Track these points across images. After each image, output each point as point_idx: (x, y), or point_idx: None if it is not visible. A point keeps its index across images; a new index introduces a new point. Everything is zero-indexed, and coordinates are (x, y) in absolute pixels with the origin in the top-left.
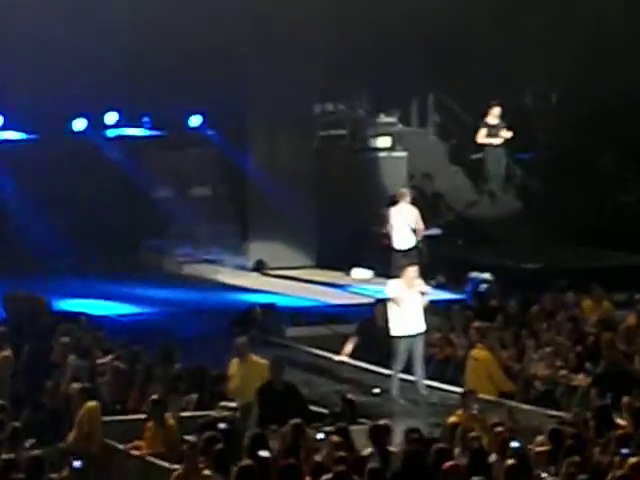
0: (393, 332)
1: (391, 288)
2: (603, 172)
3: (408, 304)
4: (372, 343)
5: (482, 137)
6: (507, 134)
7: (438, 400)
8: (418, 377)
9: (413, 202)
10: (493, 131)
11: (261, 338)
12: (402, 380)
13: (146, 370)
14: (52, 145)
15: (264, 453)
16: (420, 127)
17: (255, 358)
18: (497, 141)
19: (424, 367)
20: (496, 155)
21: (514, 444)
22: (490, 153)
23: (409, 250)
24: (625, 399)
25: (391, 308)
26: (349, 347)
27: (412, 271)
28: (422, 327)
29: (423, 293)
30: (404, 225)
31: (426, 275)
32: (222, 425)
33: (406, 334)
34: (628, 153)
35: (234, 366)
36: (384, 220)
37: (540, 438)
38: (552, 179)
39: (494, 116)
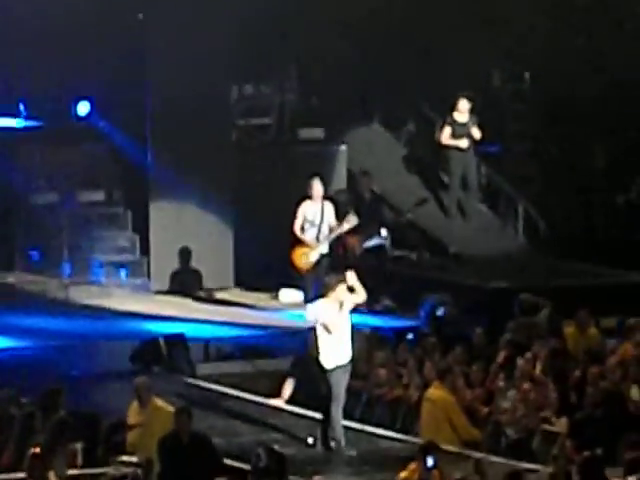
0: (327, 364)
1: (317, 310)
2: (589, 168)
3: (340, 327)
4: (308, 382)
5: (446, 137)
6: (476, 134)
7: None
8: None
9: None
10: (460, 130)
11: (167, 377)
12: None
13: (25, 418)
14: None
15: None
16: (363, 115)
17: (159, 403)
18: (464, 143)
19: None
20: (463, 160)
21: None
22: (455, 158)
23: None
24: None
25: (321, 335)
26: (288, 390)
27: (342, 288)
28: (349, 354)
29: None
30: (321, 225)
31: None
32: None
33: (340, 364)
34: (620, 144)
35: (133, 412)
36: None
37: None
38: (526, 176)
39: (462, 112)
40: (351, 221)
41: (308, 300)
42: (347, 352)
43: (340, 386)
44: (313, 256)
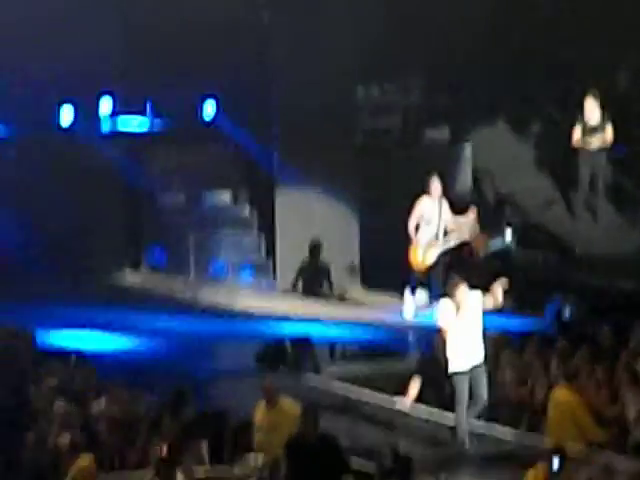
0: (451, 368)
1: (442, 312)
2: None
3: (459, 331)
4: (434, 383)
5: (577, 137)
6: (608, 136)
7: (479, 454)
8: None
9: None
10: (592, 131)
11: (293, 377)
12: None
13: (152, 417)
14: (34, 142)
15: None
16: (489, 115)
17: (286, 403)
18: (596, 144)
19: (479, 411)
20: (592, 160)
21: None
22: (585, 158)
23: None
24: None
25: (447, 337)
26: (414, 390)
27: (462, 289)
28: (481, 355)
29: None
30: (441, 225)
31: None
32: None
33: (462, 370)
34: None
35: (260, 413)
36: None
37: None
38: None
39: (591, 110)
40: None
41: (410, 295)
42: (470, 357)
43: (462, 390)
44: (430, 257)
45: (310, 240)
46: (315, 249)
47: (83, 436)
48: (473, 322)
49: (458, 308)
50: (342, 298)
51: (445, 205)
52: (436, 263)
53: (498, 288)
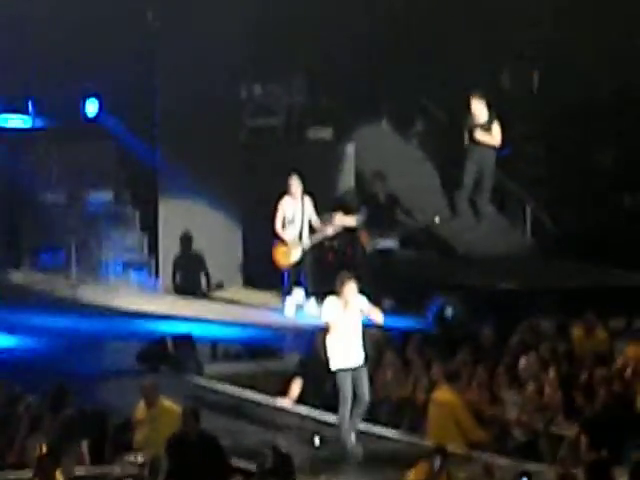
0: (334, 365)
1: (327, 309)
2: (599, 169)
3: (345, 328)
4: (315, 383)
5: (467, 140)
6: (497, 135)
7: (362, 454)
8: (355, 418)
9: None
10: (480, 130)
11: (174, 376)
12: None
13: (32, 416)
14: None
15: None
16: (371, 115)
17: (166, 403)
18: (488, 138)
19: (362, 411)
20: (479, 160)
21: None
22: (471, 157)
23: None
24: None
25: (329, 335)
26: (296, 390)
27: (351, 286)
28: (359, 358)
29: (365, 312)
30: (302, 222)
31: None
32: None
33: (349, 366)
34: (629, 145)
35: (140, 412)
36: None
37: None
38: (534, 178)
39: (477, 112)
40: (335, 226)
41: (286, 294)
42: (355, 354)
43: (345, 389)
44: (295, 255)
45: (181, 232)
46: (186, 240)
47: None
48: (357, 321)
49: (345, 305)
50: (220, 288)
51: (308, 203)
52: (301, 261)
53: (377, 310)
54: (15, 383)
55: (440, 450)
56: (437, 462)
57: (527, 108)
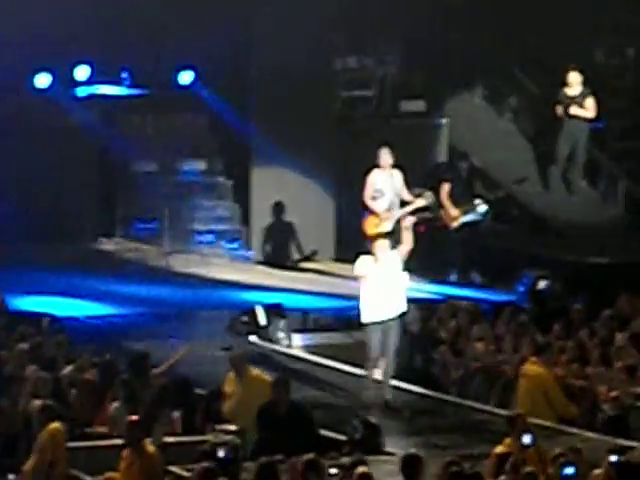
0: (363, 318)
1: (359, 264)
2: None
3: (380, 283)
4: (406, 357)
5: (559, 113)
6: (591, 109)
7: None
8: (385, 375)
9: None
10: (575, 105)
11: (264, 347)
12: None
13: (123, 384)
14: (9, 105)
15: None
16: (464, 89)
17: (255, 373)
18: (582, 112)
19: (394, 363)
20: (573, 134)
21: (568, 470)
22: (565, 131)
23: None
24: None
25: (362, 289)
26: (384, 361)
27: (382, 243)
28: (398, 309)
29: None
30: (394, 195)
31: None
32: (222, 452)
33: (378, 320)
34: None
35: (230, 382)
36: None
37: (597, 472)
38: (627, 152)
39: (572, 85)
40: (427, 198)
41: None
42: (385, 309)
43: (372, 344)
44: (385, 226)
45: (273, 203)
46: (278, 210)
47: (54, 402)
48: (389, 276)
49: (376, 260)
50: (315, 269)
51: (398, 176)
52: (391, 233)
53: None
54: (106, 351)
55: (520, 416)
56: (526, 437)
57: (621, 82)
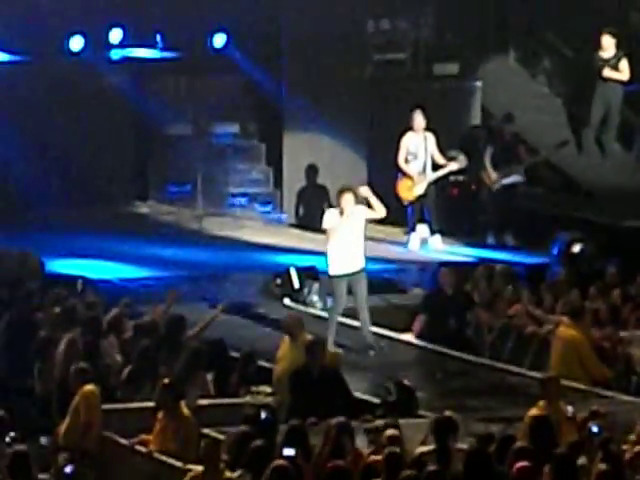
0: (331, 271)
1: (327, 218)
2: None
3: (345, 236)
4: (441, 320)
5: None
6: (625, 71)
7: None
8: (363, 322)
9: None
10: (609, 67)
11: (298, 310)
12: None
13: (156, 345)
14: (42, 69)
15: (289, 452)
16: (498, 51)
17: (310, 337)
18: (616, 75)
19: (367, 310)
20: (606, 96)
21: (594, 428)
22: (599, 94)
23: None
24: None
25: (328, 242)
26: (417, 325)
27: (348, 197)
28: (362, 263)
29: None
30: (427, 158)
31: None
32: (264, 414)
33: (345, 272)
34: None
35: (284, 346)
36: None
37: (633, 437)
38: None
39: (606, 48)
40: (461, 162)
41: (410, 230)
42: (352, 261)
43: (338, 294)
44: (419, 189)
45: (306, 165)
46: (311, 173)
47: (88, 365)
48: (355, 229)
49: (342, 213)
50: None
51: (431, 139)
52: (425, 195)
53: (372, 196)
54: (140, 314)
55: (553, 379)
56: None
57: None
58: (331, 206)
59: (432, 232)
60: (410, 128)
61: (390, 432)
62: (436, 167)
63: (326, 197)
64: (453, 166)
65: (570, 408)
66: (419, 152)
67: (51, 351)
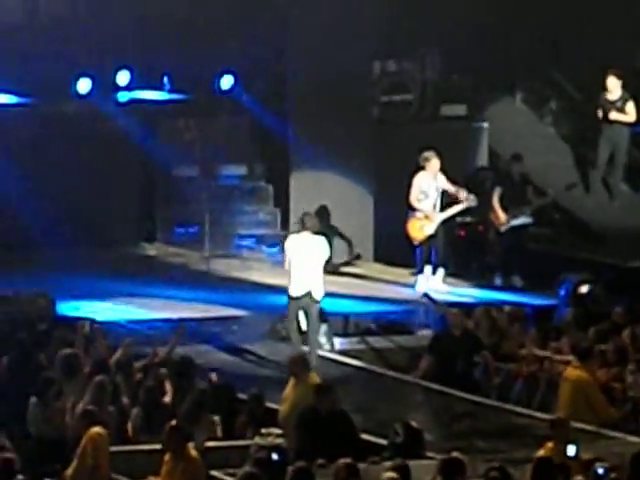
0: (290, 294)
1: (288, 244)
2: None
3: (300, 262)
4: (448, 360)
5: (599, 117)
6: (631, 112)
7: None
8: (311, 348)
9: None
10: (615, 108)
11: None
12: None
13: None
14: (50, 111)
15: None
16: (505, 93)
17: (315, 378)
18: (622, 117)
19: (317, 336)
20: (613, 137)
21: (599, 470)
22: (605, 135)
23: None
24: None
25: (290, 270)
26: (424, 366)
27: (311, 219)
28: (318, 291)
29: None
30: (437, 198)
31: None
32: (275, 456)
33: (295, 295)
34: None
35: (290, 386)
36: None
37: None
38: None
39: (612, 90)
40: (470, 201)
41: (419, 271)
42: (304, 286)
43: (291, 316)
44: (430, 228)
45: (315, 207)
46: (324, 212)
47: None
48: (313, 258)
49: (304, 241)
50: (355, 273)
51: (441, 178)
52: (435, 235)
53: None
54: (146, 356)
55: (563, 421)
56: (570, 449)
57: None
58: (349, 243)
59: (434, 272)
60: (421, 168)
61: (388, 475)
62: (443, 207)
63: (336, 238)
64: (463, 205)
65: (572, 447)
66: (430, 191)
67: (51, 393)
